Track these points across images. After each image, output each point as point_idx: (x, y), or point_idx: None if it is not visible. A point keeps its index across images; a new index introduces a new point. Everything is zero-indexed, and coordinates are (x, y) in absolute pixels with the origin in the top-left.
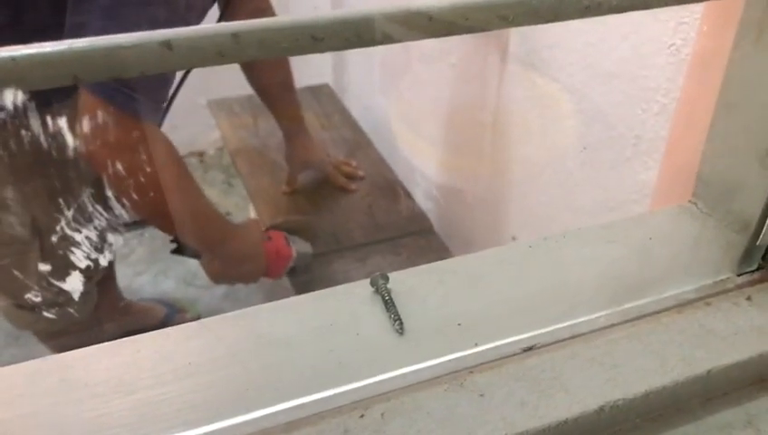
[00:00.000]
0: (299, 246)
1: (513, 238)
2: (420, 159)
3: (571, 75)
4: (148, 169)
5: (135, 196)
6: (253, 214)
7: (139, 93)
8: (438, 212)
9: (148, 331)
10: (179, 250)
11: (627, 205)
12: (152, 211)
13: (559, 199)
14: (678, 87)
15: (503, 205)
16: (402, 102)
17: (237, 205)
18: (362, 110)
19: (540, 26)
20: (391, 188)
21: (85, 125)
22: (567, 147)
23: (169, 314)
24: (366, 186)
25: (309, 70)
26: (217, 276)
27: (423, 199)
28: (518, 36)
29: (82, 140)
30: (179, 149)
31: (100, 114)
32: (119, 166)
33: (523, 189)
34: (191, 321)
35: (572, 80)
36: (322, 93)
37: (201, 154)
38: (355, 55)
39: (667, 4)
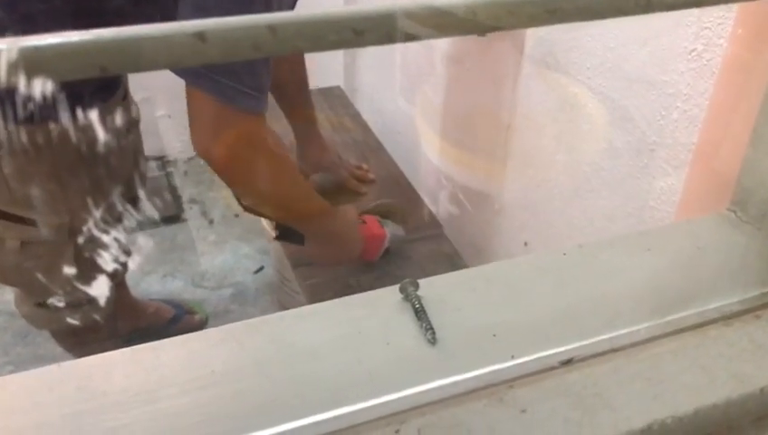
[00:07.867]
0: (391, 229)
1: (525, 244)
2: (432, 162)
3: (588, 79)
4: (257, 161)
5: (245, 187)
6: None
7: (242, 85)
8: (449, 216)
9: (156, 330)
10: (283, 235)
11: (644, 211)
12: (261, 200)
13: (573, 205)
14: (699, 93)
15: (515, 210)
16: (414, 105)
17: None
18: (374, 112)
19: (557, 28)
20: (402, 192)
21: (196, 120)
22: (583, 151)
23: (177, 315)
24: (377, 189)
25: (320, 71)
26: (319, 258)
27: (433, 203)
28: (534, 38)
29: (193, 133)
30: (190, 149)
31: (208, 109)
32: (229, 160)
33: (537, 194)
34: (199, 322)
35: (590, 83)
36: (334, 95)
37: None
38: (367, 57)
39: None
